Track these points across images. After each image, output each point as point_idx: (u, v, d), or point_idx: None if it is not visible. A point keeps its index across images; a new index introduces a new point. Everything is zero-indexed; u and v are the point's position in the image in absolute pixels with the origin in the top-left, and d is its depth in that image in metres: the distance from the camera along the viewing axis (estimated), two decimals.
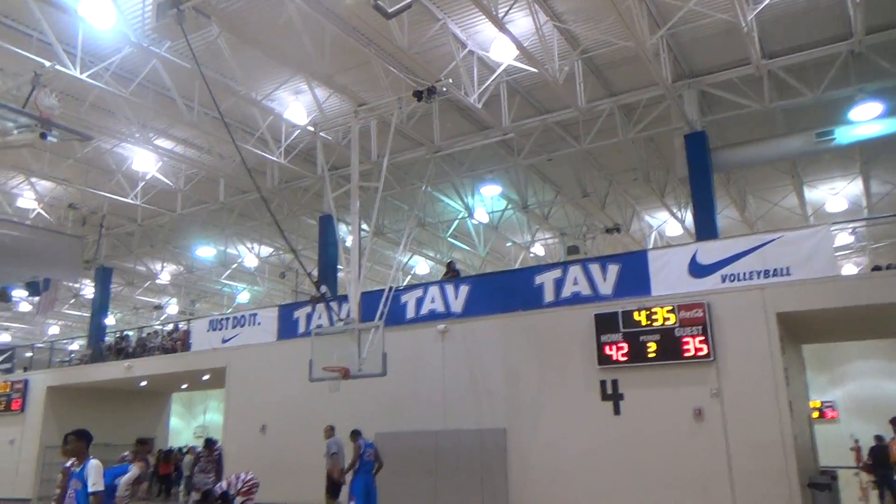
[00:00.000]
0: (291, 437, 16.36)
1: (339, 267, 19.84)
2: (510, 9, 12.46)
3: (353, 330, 12.75)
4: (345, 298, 14.68)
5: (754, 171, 19.98)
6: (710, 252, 13.22)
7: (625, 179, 21.02)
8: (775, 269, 12.45)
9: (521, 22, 13.29)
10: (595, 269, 14.20)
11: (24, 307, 30.33)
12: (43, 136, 14.41)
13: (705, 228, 15.30)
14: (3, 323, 36.75)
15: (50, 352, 27.25)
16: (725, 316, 12.41)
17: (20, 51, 12.84)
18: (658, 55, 14.15)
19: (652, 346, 12.82)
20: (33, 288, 25.90)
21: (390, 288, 13.56)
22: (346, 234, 19.15)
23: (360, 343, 12.62)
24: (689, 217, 21.00)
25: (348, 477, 13.07)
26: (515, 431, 14.12)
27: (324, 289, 17.37)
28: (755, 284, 12.47)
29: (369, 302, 13.83)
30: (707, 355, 12.27)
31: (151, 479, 21.85)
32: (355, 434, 12.39)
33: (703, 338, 12.35)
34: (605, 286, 13.94)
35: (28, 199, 21.48)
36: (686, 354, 12.49)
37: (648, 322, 12.94)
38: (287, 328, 18.23)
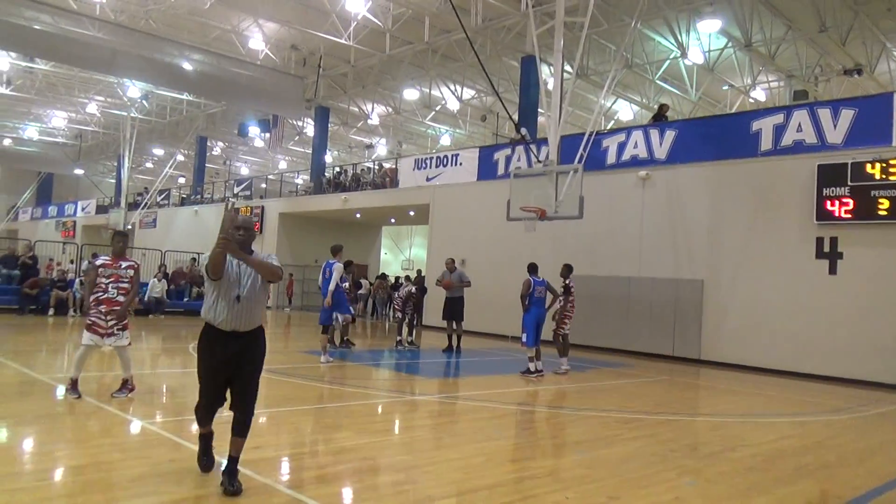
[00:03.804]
0: (489, 273, 17.27)
1: (539, 110, 19.56)
2: None
3: (552, 172, 12.75)
4: (544, 141, 14.61)
5: None
6: None
7: (875, 10, 17.85)
8: None
9: None
10: (824, 114, 12.67)
11: (258, 143, 33.88)
12: None
13: None
14: (241, 157, 41.57)
15: (280, 183, 30.59)
16: None
17: None
18: None
19: (884, 203, 11.52)
20: (264, 125, 28.86)
21: (591, 132, 13.19)
22: (548, 76, 18.62)
23: (558, 185, 12.63)
24: None
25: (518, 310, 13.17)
26: (714, 283, 13.78)
27: (523, 131, 17.49)
28: None
29: (569, 145, 13.65)
30: None
31: (367, 299, 24.52)
32: (529, 269, 12.09)
33: None
34: (835, 134, 12.46)
35: (257, 40, 23.19)
36: None
37: (884, 176, 11.52)
38: (487, 169, 18.73)
